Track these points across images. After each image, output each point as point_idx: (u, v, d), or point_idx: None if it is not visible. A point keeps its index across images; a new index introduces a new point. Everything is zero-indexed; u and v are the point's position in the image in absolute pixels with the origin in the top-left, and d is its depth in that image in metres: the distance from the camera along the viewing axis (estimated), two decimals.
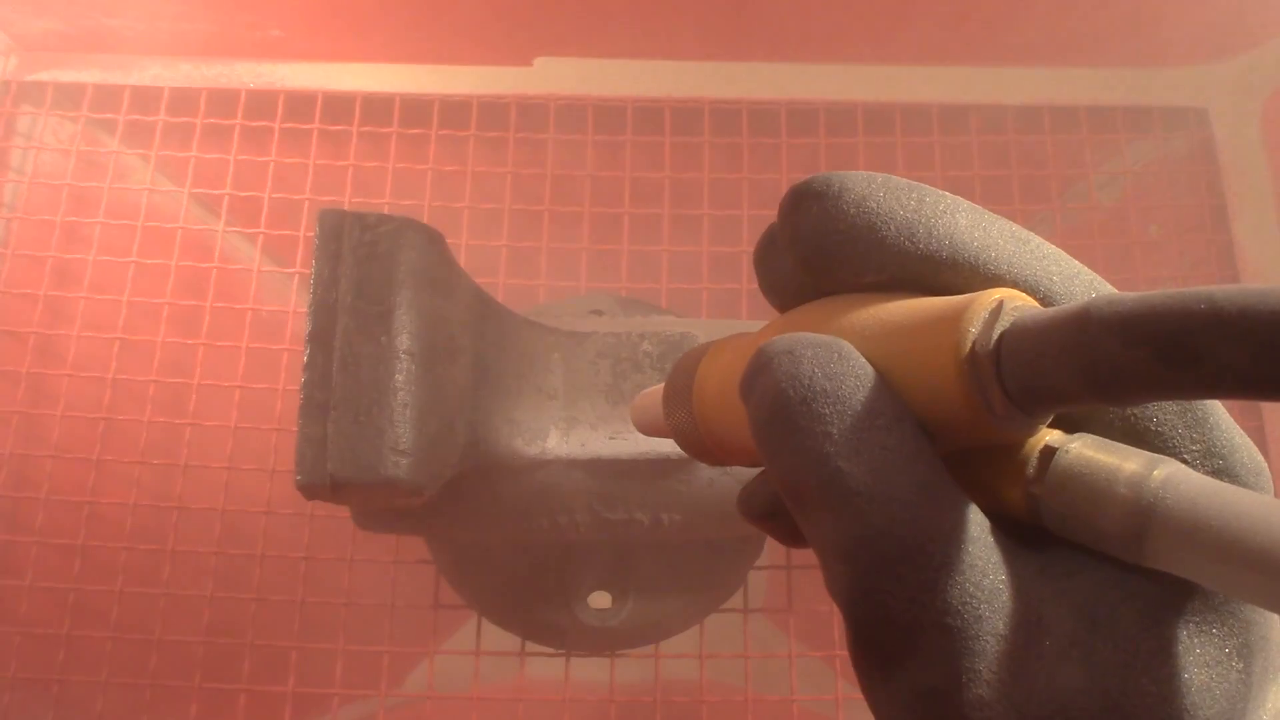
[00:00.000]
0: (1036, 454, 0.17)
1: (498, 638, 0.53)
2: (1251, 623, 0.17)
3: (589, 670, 0.53)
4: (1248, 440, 0.18)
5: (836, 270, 0.18)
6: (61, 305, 0.60)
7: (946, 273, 0.18)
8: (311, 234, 0.46)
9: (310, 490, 0.38)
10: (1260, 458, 0.18)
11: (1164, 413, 0.18)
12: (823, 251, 0.18)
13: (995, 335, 0.16)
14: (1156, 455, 0.16)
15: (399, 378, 0.38)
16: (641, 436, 0.43)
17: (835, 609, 0.54)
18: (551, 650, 0.53)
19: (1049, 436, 0.17)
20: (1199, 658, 0.17)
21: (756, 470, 0.22)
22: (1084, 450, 0.16)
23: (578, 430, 0.43)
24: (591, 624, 0.51)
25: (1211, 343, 0.14)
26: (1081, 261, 0.19)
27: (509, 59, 0.65)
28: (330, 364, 0.38)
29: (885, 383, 0.17)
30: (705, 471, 0.44)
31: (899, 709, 0.17)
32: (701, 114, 0.64)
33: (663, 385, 0.23)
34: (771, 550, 0.56)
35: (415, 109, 0.64)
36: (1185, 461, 0.17)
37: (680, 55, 0.66)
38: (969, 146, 0.63)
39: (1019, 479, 0.17)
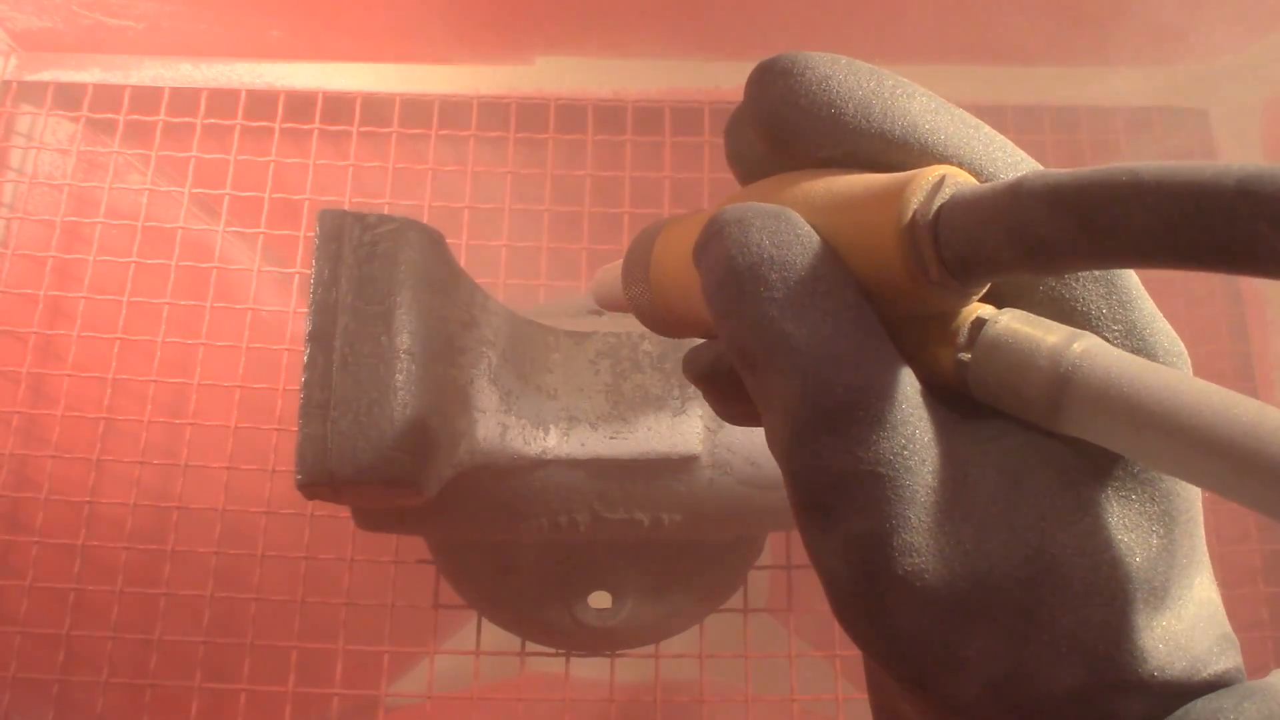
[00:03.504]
0: (968, 325, 0.18)
1: (498, 638, 0.53)
2: (1173, 494, 0.18)
3: (589, 670, 0.53)
4: (1168, 325, 0.19)
5: (795, 143, 0.19)
6: (61, 305, 0.60)
7: (898, 151, 0.18)
8: (311, 234, 0.46)
9: (310, 490, 0.38)
10: (1179, 342, 0.19)
11: (1090, 292, 0.18)
12: (783, 124, 0.19)
13: (935, 206, 0.17)
14: (1078, 330, 0.17)
15: (399, 378, 0.38)
16: (641, 436, 0.43)
17: None
18: (551, 650, 0.53)
19: (981, 310, 0.18)
20: (1119, 521, 0.18)
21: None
22: (1011, 323, 0.17)
23: (578, 430, 0.43)
24: (591, 624, 0.51)
25: (1130, 210, 0.14)
26: None
27: (511, 58, 0.65)
28: (330, 364, 0.38)
29: (831, 250, 0.18)
30: (705, 472, 0.44)
31: (835, 557, 0.17)
32: (701, 114, 0.64)
33: (621, 261, 0.24)
34: (771, 550, 0.56)
35: (415, 109, 0.64)
36: (1107, 339, 0.18)
37: (680, 55, 0.66)
38: None
39: (951, 347, 0.18)
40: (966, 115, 0.19)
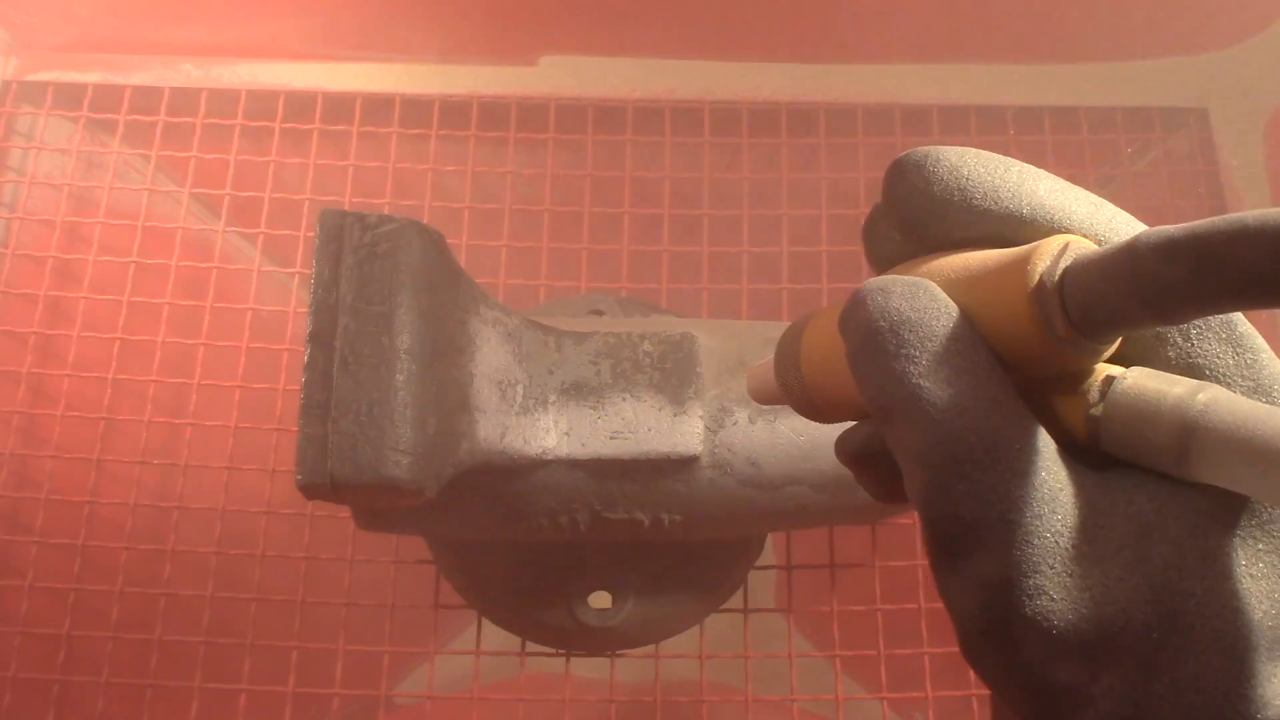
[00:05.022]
0: (1099, 382, 0.19)
1: (498, 638, 0.53)
2: None
3: (589, 670, 0.53)
4: None
5: (929, 228, 0.21)
6: (61, 305, 0.60)
7: (1027, 230, 0.20)
8: (311, 234, 0.46)
9: (311, 490, 0.38)
10: None
11: (1217, 352, 0.20)
12: (918, 212, 0.21)
13: (1060, 269, 0.18)
14: (1202, 382, 0.18)
15: (399, 378, 0.38)
16: (642, 436, 0.43)
17: (835, 609, 0.54)
18: (551, 650, 0.53)
19: (1110, 369, 0.19)
20: (1244, 567, 0.18)
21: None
22: (1139, 379, 0.18)
23: (578, 430, 0.43)
24: (591, 624, 0.51)
25: (1237, 250, 0.15)
26: None
27: (513, 58, 0.65)
28: (331, 364, 0.38)
29: (964, 316, 0.19)
30: (705, 472, 0.44)
31: (965, 598, 0.18)
32: (701, 114, 0.64)
33: (771, 357, 0.26)
34: (771, 550, 0.56)
35: (415, 109, 0.64)
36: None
37: (680, 55, 0.66)
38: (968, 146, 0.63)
39: (1083, 406, 0.19)
40: (1089, 194, 0.21)
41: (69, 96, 0.64)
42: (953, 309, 0.19)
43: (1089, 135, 0.64)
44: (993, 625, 0.18)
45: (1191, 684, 0.17)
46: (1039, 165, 0.21)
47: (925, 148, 0.21)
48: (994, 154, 0.21)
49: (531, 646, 0.53)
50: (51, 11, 0.64)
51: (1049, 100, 0.65)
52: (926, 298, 0.19)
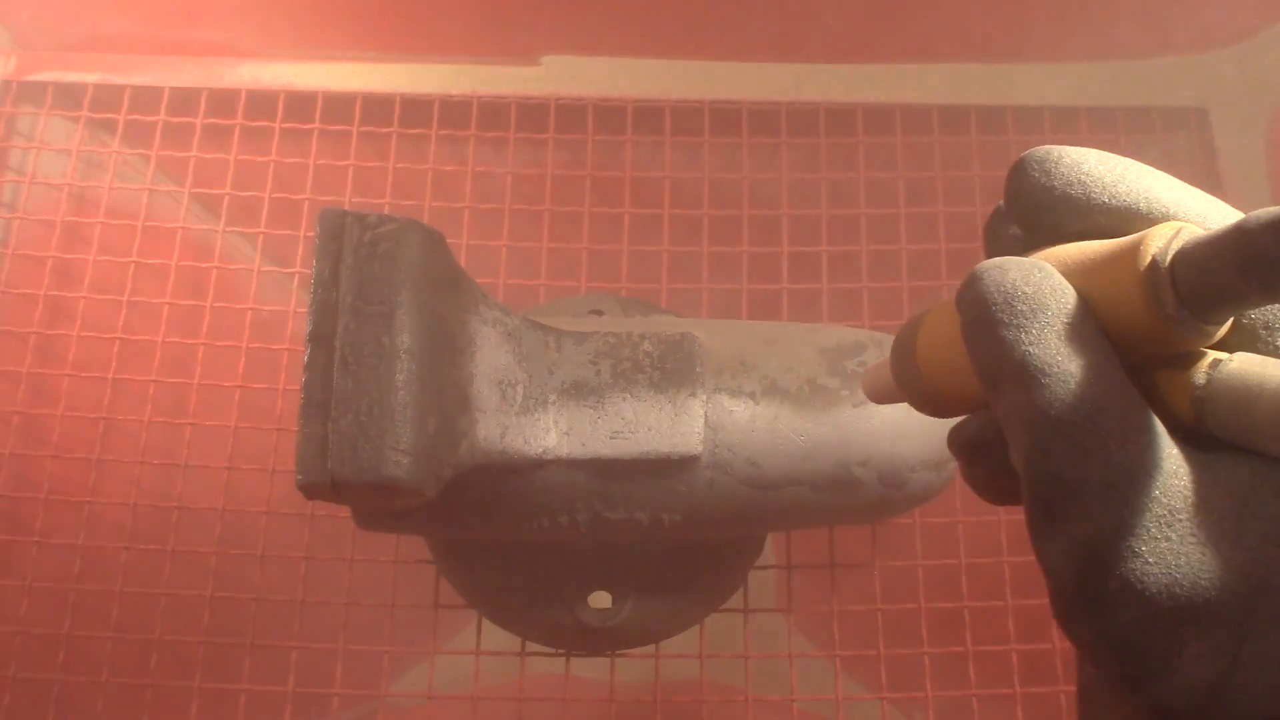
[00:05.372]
0: (1205, 365, 0.20)
1: (498, 638, 0.53)
2: None
3: (589, 670, 0.53)
4: None
5: (1050, 222, 0.22)
6: (61, 305, 0.60)
7: (1142, 222, 0.21)
8: (312, 234, 0.46)
9: (311, 490, 0.38)
10: None
11: None
12: (1040, 206, 0.22)
13: (1171, 251, 0.19)
14: None
15: (399, 377, 0.38)
16: (642, 436, 0.43)
17: (835, 609, 0.54)
18: (551, 650, 0.53)
19: (1216, 354, 0.20)
20: None
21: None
22: (1244, 362, 0.19)
23: (578, 430, 0.43)
24: (591, 624, 0.51)
25: None
26: None
27: (513, 58, 0.65)
28: (331, 364, 0.38)
29: (1077, 294, 0.20)
30: (705, 472, 0.44)
31: (1060, 559, 0.19)
32: (701, 114, 0.64)
33: (887, 356, 0.27)
34: (771, 550, 0.56)
35: (415, 109, 0.64)
36: None
37: (680, 55, 0.66)
38: (969, 146, 0.63)
39: (1189, 388, 0.20)
40: (1203, 192, 0.22)
41: (69, 96, 0.64)
42: (1066, 285, 0.20)
43: (1089, 135, 0.64)
44: (1086, 586, 0.19)
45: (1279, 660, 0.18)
46: None
47: (1047, 146, 0.22)
48: (1112, 154, 0.22)
49: (531, 646, 0.53)
50: (51, 11, 0.64)
51: (1049, 100, 0.65)
52: (1040, 274, 0.20)
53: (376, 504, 0.43)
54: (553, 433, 0.43)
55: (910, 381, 0.26)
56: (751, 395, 0.45)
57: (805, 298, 0.60)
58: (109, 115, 0.63)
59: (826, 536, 0.55)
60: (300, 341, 0.39)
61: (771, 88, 0.65)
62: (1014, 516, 0.56)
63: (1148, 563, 0.18)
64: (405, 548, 0.55)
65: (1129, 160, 0.22)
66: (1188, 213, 0.21)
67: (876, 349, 0.47)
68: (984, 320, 0.20)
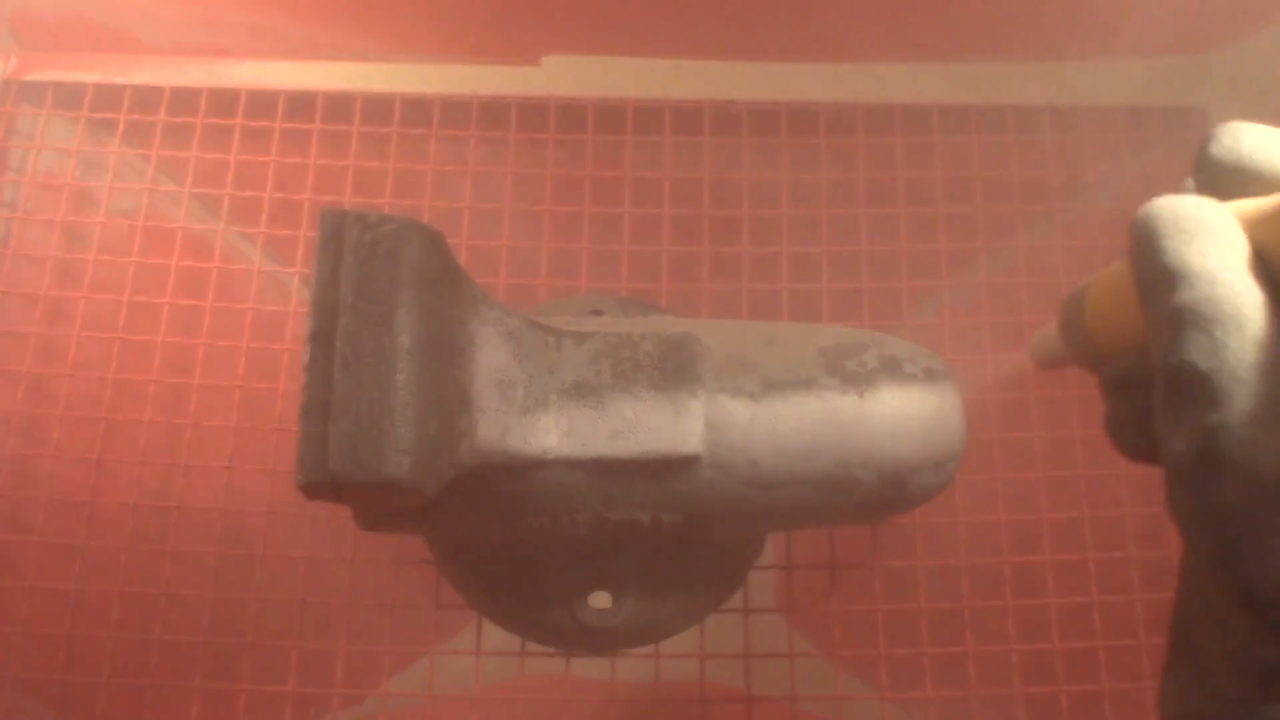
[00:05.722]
0: None
1: (498, 638, 0.53)
2: None
3: (589, 670, 0.53)
4: None
5: (1232, 185, 0.24)
6: (61, 305, 0.60)
7: None
8: (312, 234, 0.46)
9: (311, 490, 0.38)
10: None
11: None
12: (1225, 170, 0.24)
13: None
14: None
15: (400, 377, 0.38)
16: (642, 436, 0.43)
17: (838, 608, 0.54)
18: (551, 650, 0.53)
19: None
20: None
21: None
22: None
23: (578, 430, 0.43)
24: (591, 624, 0.51)
25: None
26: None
27: (513, 58, 0.65)
28: (331, 364, 0.38)
29: (1236, 221, 0.22)
30: (705, 472, 0.44)
31: (1181, 440, 0.21)
32: (701, 114, 0.64)
33: (1048, 327, 0.31)
34: (771, 550, 0.56)
35: (415, 109, 0.64)
36: None
37: (680, 55, 0.66)
38: (969, 146, 0.63)
39: None
40: None
41: (69, 96, 0.64)
42: (1230, 217, 0.22)
43: (1089, 135, 0.64)
44: (1202, 464, 0.20)
45: None
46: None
47: (1236, 122, 0.25)
48: None
49: (531, 646, 0.53)
50: (51, 11, 0.64)
51: (1049, 100, 0.65)
52: (1209, 206, 0.23)
53: (377, 504, 0.43)
54: (553, 433, 0.43)
55: (1077, 336, 0.28)
56: (751, 395, 0.45)
57: (805, 298, 0.60)
58: (109, 115, 0.63)
59: (826, 536, 0.55)
60: (300, 341, 0.39)
61: (771, 88, 0.65)
62: (1015, 517, 0.56)
63: (1262, 450, 0.20)
64: (405, 548, 0.55)
65: None
66: None
67: (876, 349, 0.47)
68: (1151, 234, 0.23)
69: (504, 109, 0.64)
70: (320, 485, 0.37)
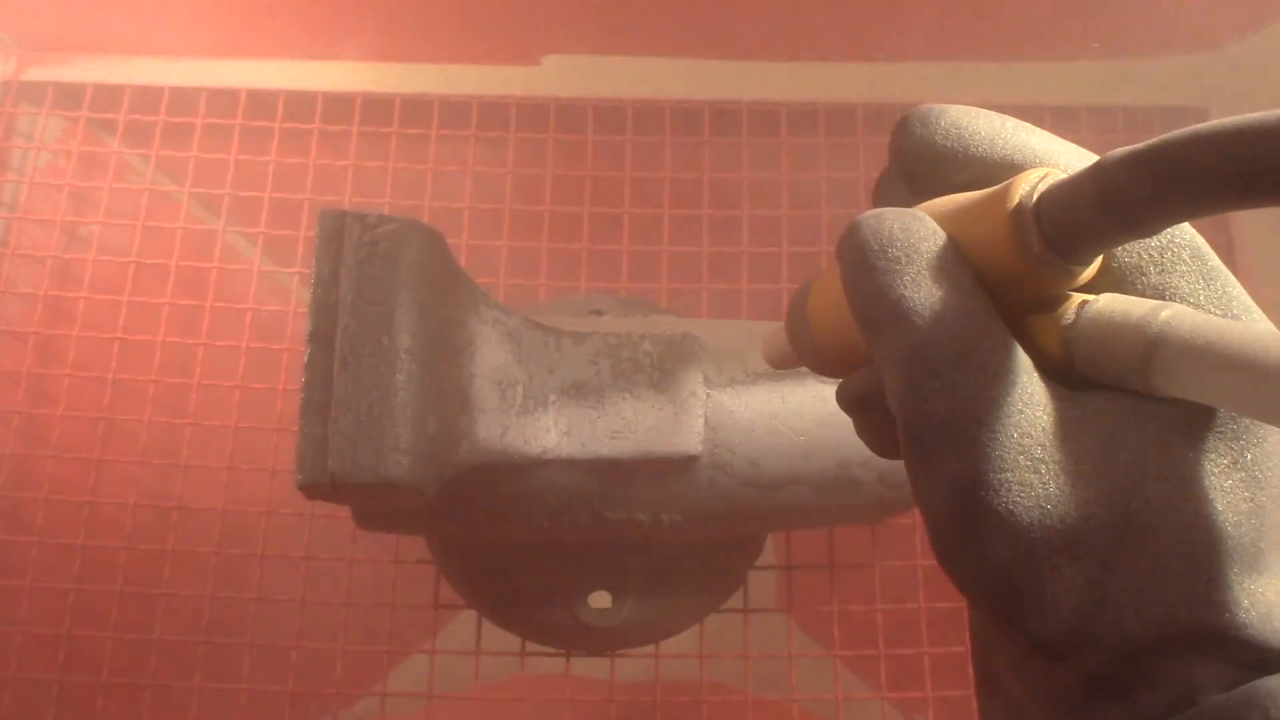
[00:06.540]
0: (1073, 307, 0.20)
1: (498, 638, 0.53)
2: (1262, 462, 0.19)
3: (589, 670, 0.53)
4: (1264, 316, 0.21)
5: (932, 176, 0.22)
6: (61, 305, 0.60)
7: (1017, 173, 0.21)
8: (312, 234, 0.46)
9: (311, 490, 0.38)
10: (1274, 329, 0.20)
11: (1189, 284, 0.21)
12: (922, 161, 0.22)
13: (1037, 193, 0.19)
14: (1167, 302, 0.19)
15: (399, 377, 0.38)
16: (641, 436, 0.43)
17: (835, 609, 0.54)
18: (551, 650, 0.53)
19: (1084, 297, 0.20)
20: (1209, 482, 0.19)
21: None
22: (1109, 300, 0.20)
23: (578, 430, 0.43)
24: (591, 624, 0.51)
25: (1190, 154, 0.16)
26: None
27: (514, 58, 0.65)
28: (331, 364, 0.38)
29: (951, 241, 0.20)
30: (705, 472, 0.44)
31: (935, 496, 0.19)
32: (701, 114, 0.64)
33: (783, 323, 0.28)
34: (771, 550, 0.56)
35: (415, 109, 0.64)
36: None
37: (680, 55, 0.66)
38: None
39: (1058, 328, 0.20)
40: (1080, 148, 0.22)
41: (69, 96, 0.64)
42: (939, 233, 0.20)
43: (1089, 135, 0.64)
44: (960, 522, 0.19)
45: (1150, 588, 0.18)
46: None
47: (930, 105, 0.22)
48: (993, 111, 0.22)
49: (531, 646, 0.53)
50: (51, 11, 0.64)
51: (1049, 99, 0.65)
52: (915, 222, 0.21)
53: (376, 504, 0.43)
54: (553, 433, 0.43)
55: (804, 342, 0.26)
56: (751, 395, 0.45)
57: None
58: (109, 115, 0.63)
59: (826, 536, 0.55)
60: (300, 341, 0.39)
61: (771, 88, 0.65)
62: None
63: (1018, 496, 0.18)
64: (405, 548, 0.55)
65: (1008, 117, 0.22)
66: (1058, 161, 0.21)
67: None
68: (861, 266, 0.21)
69: (504, 109, 0.64)
70: (320, 485, 0.37)
